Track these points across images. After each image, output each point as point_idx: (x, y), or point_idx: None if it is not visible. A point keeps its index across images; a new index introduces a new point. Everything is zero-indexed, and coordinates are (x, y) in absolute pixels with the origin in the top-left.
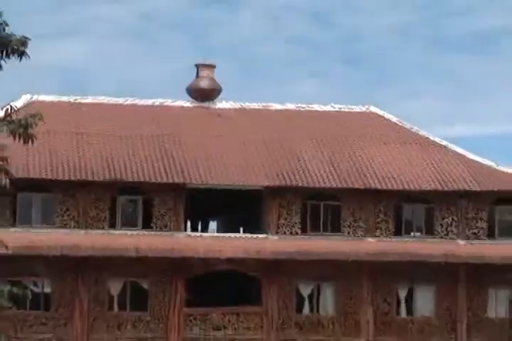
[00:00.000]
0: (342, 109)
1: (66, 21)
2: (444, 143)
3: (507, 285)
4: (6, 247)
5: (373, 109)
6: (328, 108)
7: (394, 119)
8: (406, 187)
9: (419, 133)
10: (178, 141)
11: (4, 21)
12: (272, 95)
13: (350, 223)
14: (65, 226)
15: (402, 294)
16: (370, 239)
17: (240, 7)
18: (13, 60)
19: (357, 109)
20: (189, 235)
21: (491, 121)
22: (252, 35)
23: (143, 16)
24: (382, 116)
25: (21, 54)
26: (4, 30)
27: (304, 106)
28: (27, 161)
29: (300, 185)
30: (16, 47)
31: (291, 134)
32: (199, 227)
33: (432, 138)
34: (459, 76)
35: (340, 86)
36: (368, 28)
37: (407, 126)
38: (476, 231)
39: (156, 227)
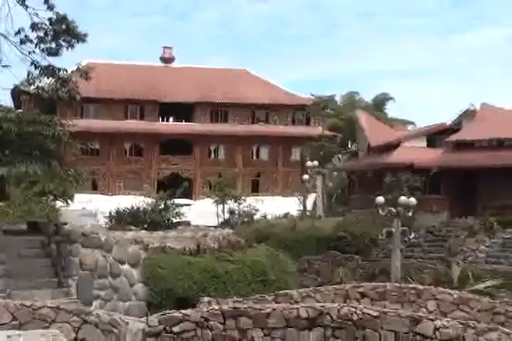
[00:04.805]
0: (233, 68)
1: (110, 24)
2: (274, 82)
3: (301, 145)
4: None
5: (248, 69)
6: (225, 67)
7: (255, 74)
8: (256, 102)
9: (265, 79)
10: (156, 81)
11: (76, 25)
12: (199, 61)
13: (232, 119)
14: (109, 118)
15: (254, 150)
16: (240, 126)
17: (189, 16)
18: (80, 44)
19: (239, 68)
20: (160, 123)
21: (305, 73)
22: (195, 31)
23: (148, 26)
24: (250, 73)
25: (84, 41)
26: (76, 29)
27: (214, 66)
28: (87, 88)
29: (208, 101)
30: (82, 37)
31: (206, 78)
32: (165, 120)
33: (270, 81)
34: (295, 54)
35: (236, 57)
36: (257, 28)
37: (260, 76)
38: (286, 123)
39: (146, 120)
